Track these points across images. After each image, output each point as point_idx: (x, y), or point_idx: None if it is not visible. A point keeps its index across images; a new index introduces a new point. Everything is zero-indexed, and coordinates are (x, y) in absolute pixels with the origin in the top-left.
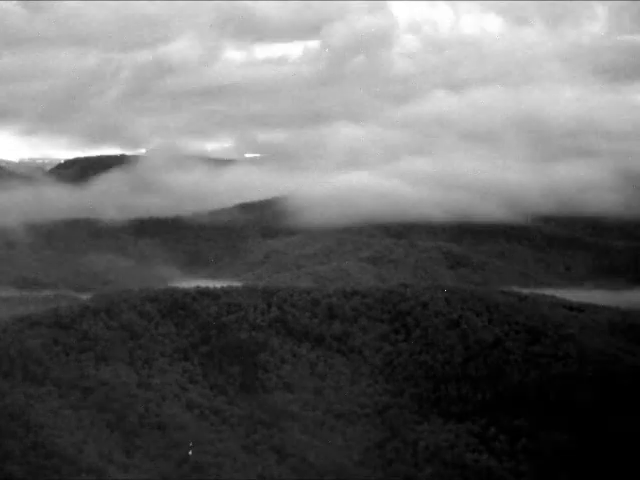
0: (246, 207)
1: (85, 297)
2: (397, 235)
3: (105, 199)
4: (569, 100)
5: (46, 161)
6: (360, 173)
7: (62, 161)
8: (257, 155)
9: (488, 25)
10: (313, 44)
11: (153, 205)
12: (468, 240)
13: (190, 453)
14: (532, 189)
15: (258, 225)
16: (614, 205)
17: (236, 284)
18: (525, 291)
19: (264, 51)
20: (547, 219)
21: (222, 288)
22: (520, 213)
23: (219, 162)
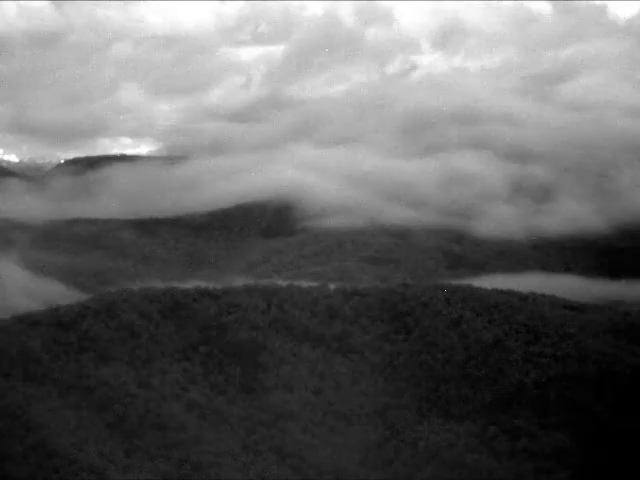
0: (246, 207)
1: (85, 297)
2: (397, 235)
3: (105, 199)
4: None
5: (46, 161)
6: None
7: (62, 161)
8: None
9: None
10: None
11: (152, 205)
12: (468, 240)
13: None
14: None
15: (258, 225)
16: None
17: (236, 284)
18: (525, 291)
19: None
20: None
21: (222, 288)
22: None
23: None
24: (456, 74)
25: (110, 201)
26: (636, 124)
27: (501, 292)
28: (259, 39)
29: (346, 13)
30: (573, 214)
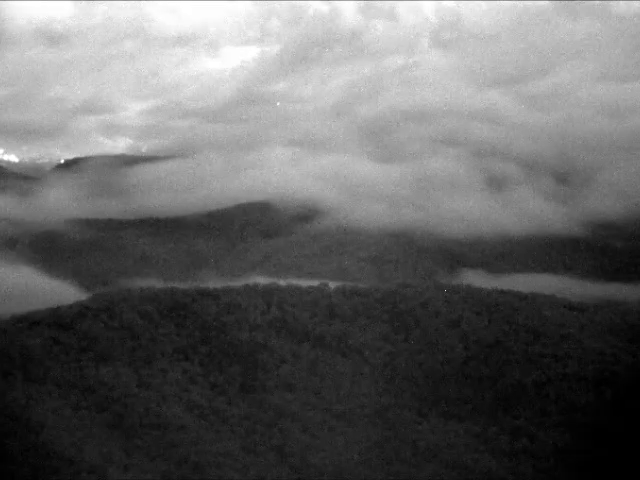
0: (246, 207)
1: (85, 297)
2: (397, 235)
3: (105, 198)
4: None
5: (46, 161)
6: None
7: (62, 161)
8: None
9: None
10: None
11: (152, 204)
12: (467, 239)
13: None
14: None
15: (258, 225)
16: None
17: (236, 284)
18: (525, 291)
19: None
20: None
21: (222, 288)
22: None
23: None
24: (438, 73)
25: (110, 201)
26: (611, 122)
27: (501, 292)
28: (264, 38)
29: (349, 12)
30: (547, 213)
